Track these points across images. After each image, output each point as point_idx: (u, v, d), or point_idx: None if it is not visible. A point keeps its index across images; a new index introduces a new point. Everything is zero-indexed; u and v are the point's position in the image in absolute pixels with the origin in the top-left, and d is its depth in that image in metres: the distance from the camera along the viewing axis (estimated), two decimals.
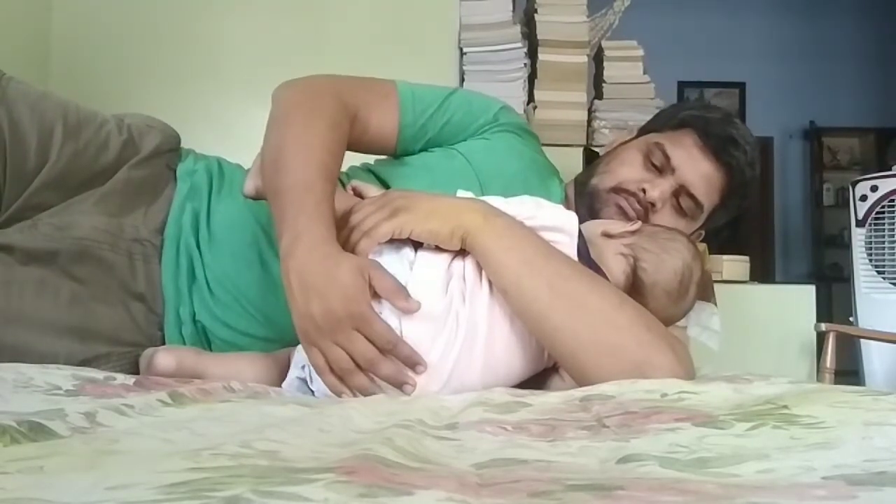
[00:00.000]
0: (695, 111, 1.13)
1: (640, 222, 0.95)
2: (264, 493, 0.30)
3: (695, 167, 1.07)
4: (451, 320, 0.79)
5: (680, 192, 1.07)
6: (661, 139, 1.09)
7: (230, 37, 1.97)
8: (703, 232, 1.16)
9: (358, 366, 0.76)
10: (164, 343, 0.92)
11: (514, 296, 0.80)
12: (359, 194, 0.93)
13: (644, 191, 1.06)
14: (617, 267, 0.89)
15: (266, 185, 0.89)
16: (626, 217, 1.05)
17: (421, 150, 1.13)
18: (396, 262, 0.81)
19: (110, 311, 0.90)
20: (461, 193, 0.90)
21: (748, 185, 1.11)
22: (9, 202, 0.89)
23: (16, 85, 0.92)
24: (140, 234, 0.94)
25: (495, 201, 0.89)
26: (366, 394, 0.76)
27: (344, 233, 0.82)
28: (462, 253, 0.83)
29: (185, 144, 1.09)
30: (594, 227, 0.95)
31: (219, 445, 0.41)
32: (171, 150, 1.04)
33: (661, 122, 1.16)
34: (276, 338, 0.92)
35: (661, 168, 1.07)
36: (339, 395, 0.76)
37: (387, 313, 0.78)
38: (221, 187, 1.01)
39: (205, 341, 0.93)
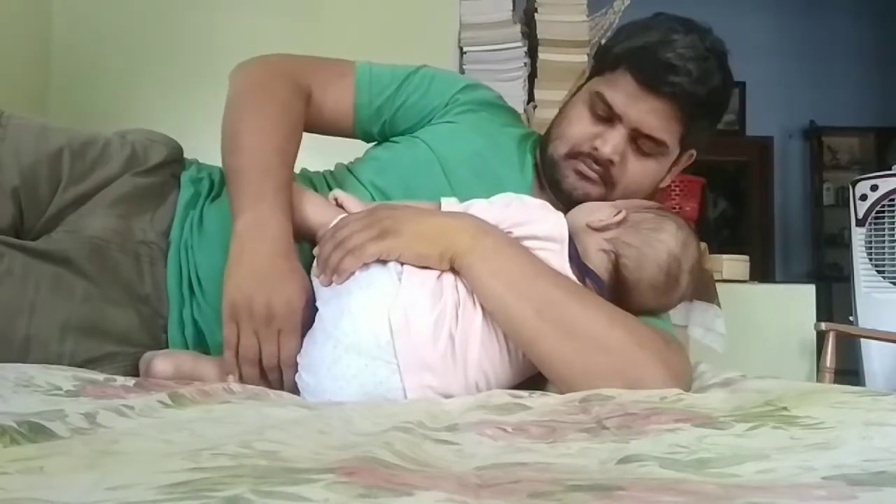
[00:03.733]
0: (629, 42, 1.00)
1: (624, 211, 0.90)
2: (264, 493, 0.30)
3: (638, 107, 0.97)
4: (444, 335, 0.78)
5: (636, 135, 0.99)
6: (601, 86, 1.00)
7: (231, 39, 1.97)
8: (693, 153, 1.07)
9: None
10: (167, 345, 0.92)
11: (502, 320, 0.80)
12: (340, 205, 0.93)
13: (596, 148, 0.99)
14: (600, 264, 0.87)
15: (224, 166, 0.94)
16: (588, 180, 1.00)
17: (381, 133, 1.11)
18: (384, 274, 0.80)
19: (120, 311, 0.91)
20: (445, 204, 0.89)
21: (709, 100, 0.98)
22: (30, 226, 0.92)
23: (16, 121, 0.94)
24: (147, 237, 0.95)
25: (479, 207, 0.88)
26: (248, 383, 0.81)
27: (327, 247, 0.82)
28: None
29: (187, 150, 1.10)
30: (579, 217, 0.91)
31: (219, 446, 0.41)
32: (175, 162, 1.05)
33: (601, 62, 1.05)
34: None
35: (608, 117, 0.99)
36: (229, 372, 0.82)
37: (377, 321, 0.77)
38: (220, 192, 1.01)
39: (205, 344, 0.93)
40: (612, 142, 0.98)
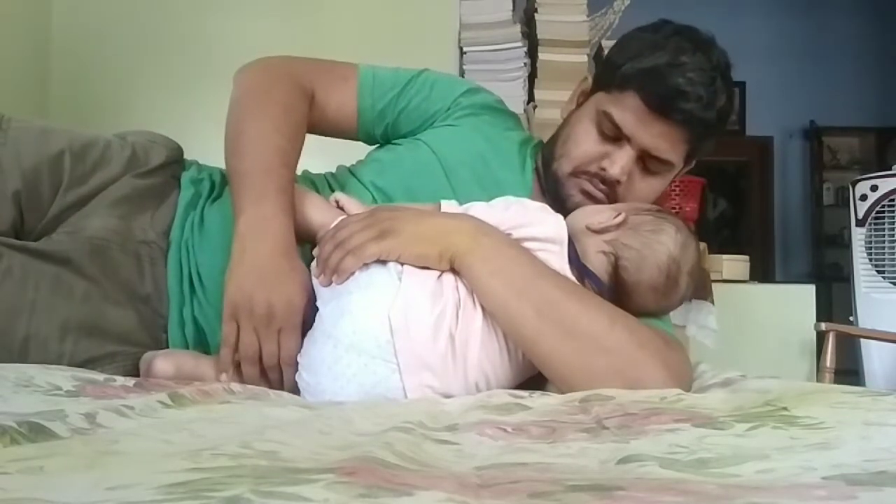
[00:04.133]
0: (637, 62, 0.98)
1: (624, 213, 0.90)
2: (264, 493, 0.30)
3: (647, 131, 0.97)
4: (443, 335, 0.78)
5: (644, 156, 0.99)
6: (608, 105, 0.99)
7: (231, 40, 1.97)
8: (693, 161, 1.08)
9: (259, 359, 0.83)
10: (167, 345, 0.92)
11: (502, 320, 0.80)
12: (341, 207, 0.93)
13: (604, 169, 0.99)
14: (600, 266, 0.87)
15: (227, 168, 0.94)
16: (595, 200, 1.00)
17: (384, 136, 1.12)
18: (384, 274, 0.80)
19: (120, 311, 0.91)
20: (445, 206, 0.89)
21: (717, 122, 0.98)
22: (30, 228, 0.92)
23: (16, 124, 0.95)
24: (148, 237, 0.95)
25: (478, 209, 0.88)
26: (248, 382, 0.82)
27: (327, 248, 0.82)
28: None
29: (187, 150, 1.10)
30: (578, 219, 0.92)
31: (219, 446, 0.41)
32: (175, 163, 1.05)
33: (607, 77, 1.02)
34: None
35: (616, 137, 0.99)
36: (223, 370, 0.83)
37: (377, 320, 0.77)
38: (220, 193, 1.02)
39: (205, 342, 0.93)
40: (619, 162, 0.98)
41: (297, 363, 0.82)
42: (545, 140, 1.13)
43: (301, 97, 1.03)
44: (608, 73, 1.03)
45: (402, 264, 0.81)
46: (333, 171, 1.12)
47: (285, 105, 0.99)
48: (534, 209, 0.90)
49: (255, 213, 0.86)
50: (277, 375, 0.84)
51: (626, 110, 0.97)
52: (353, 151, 1.16)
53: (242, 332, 0.83)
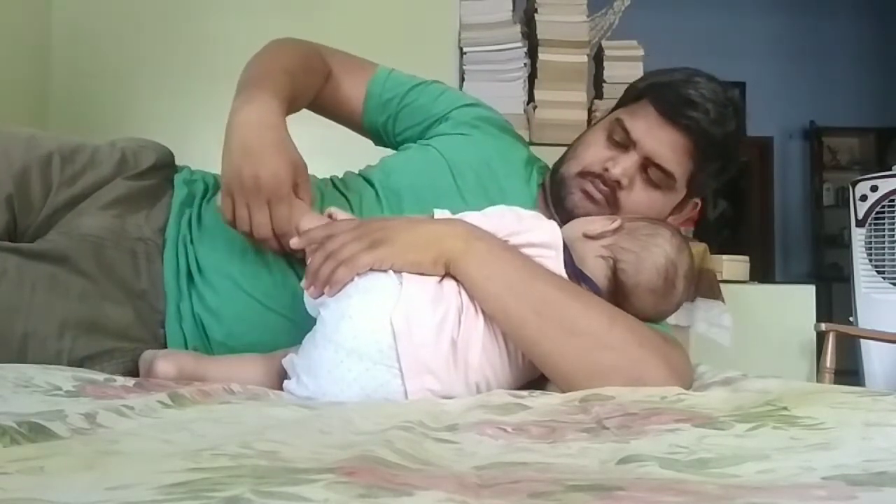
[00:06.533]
0: (654, 78, 1.06)
1: (619, 220, 0.91)
2: (264, 493, 0.30)
3: (654, 136, 1.01)
4: (445, 339, 0.77)
5: (647, 164, 1.01)
6: (622, 114, 1.05)
7: (231, 43, 1.96)
8: (699, 202, 1.12)
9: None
10: (165, 340, 0.92)
11: (501, 322, 0.80)
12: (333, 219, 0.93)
13: (607, 170, 1.02)
14: (598, 271, 0.87)
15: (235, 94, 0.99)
16: (593, 200, 1.02)
17: (385, 127, 1.16)
18: (384, 279, 0.80)
19: (118, 308, 0.91)
20: (438, 213, 0.89)
21: (722, 144, 1.01)
22: (23, 230, 0.93)
23: (4, 130, 0.97)
24: (143, 234, 0.96)
25: (472, 217, 0.88)
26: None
27: (318, 258, 0.81)
28: None
29: (187, 154, 1.12)
30: (574, 228, 0.93)
31: (219, 446, 0.41)
32: (166, 166, 1.06)
33: (625, 97, 1.11)
34: (270, 325, 0.93)
35: (624, 144, 1.02)
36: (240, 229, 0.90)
37: (379, 325, 0.77)
38: (215, 192, 1.02)
39: (203, 336, 0.93)
40: (622, 164, 1.01)
41: (294, 233, 0.87)
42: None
43: (321, 64, 1.10)
44: (627, 94, 1.10)
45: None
46: (340, 175, 1.13)
47: (305, 59, 1.06)
48: (528, 216, 0.91)
49: (244, 98, 0.92)
50: (274, 245, 0.89)
51: (638, 117, 1.03)
52: (360, 156, 1.18)
53: (236, 206, 0.88)
